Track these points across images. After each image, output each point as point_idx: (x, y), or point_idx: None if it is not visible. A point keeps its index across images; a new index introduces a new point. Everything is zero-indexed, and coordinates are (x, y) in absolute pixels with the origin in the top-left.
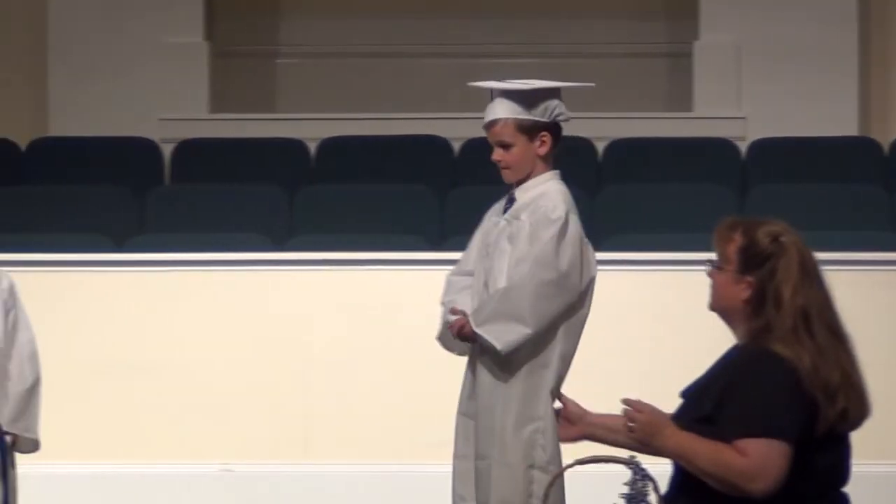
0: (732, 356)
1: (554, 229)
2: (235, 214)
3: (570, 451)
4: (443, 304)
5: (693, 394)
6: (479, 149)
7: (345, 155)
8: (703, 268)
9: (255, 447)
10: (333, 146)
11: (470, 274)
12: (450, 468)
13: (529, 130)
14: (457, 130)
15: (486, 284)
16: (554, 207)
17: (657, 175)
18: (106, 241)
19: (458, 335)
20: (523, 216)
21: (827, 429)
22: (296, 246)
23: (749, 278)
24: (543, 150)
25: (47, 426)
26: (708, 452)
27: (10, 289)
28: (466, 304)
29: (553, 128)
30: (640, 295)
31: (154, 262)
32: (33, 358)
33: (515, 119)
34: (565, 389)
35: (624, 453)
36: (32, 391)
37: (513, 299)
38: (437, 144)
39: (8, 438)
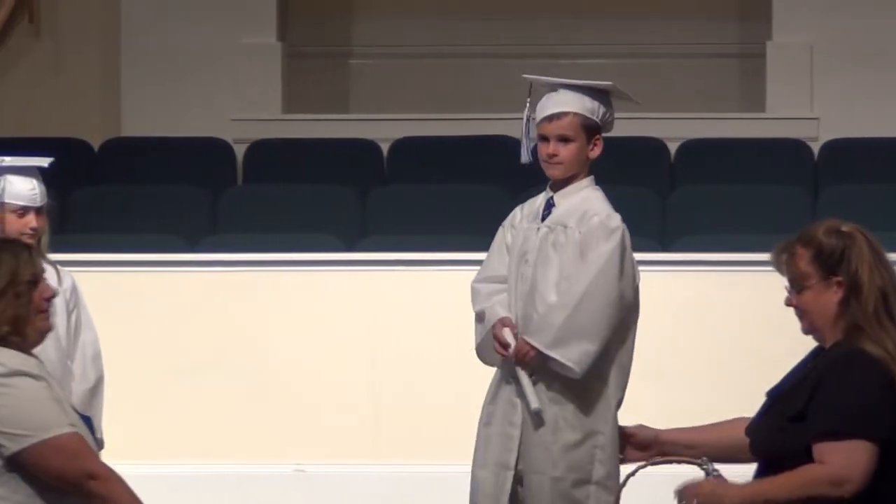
0: (824, 355)
1: (615, 241)
2: (307, 215)
3: None
4: (477, 313)
5: (782, 393)
6: None
7: (417, 155)
8: (768, 269)
9: (326, 447)
10: (406, 147)
11: (497, 280)
12: None
13: (590, 130)
14: None
15: (530, 294)
16: (609, 216)
17: (729, 176)
18: (179, 241)
19: (523, 362)
20: (571, 223)
21: None
22: (367, 246)
23: (837, 278)
24: (595, 154)
25: (119, 426)
26: (785, 482)
27: (73, 288)
28: (501, 311)
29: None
30: (711, 295)
31: (227, 262)
32: (96, 358)
33: (583, 115)
34: (638, 397)
35: None
36: (95, 391)
37: (579, 316)
38: (509, 145)
39: None
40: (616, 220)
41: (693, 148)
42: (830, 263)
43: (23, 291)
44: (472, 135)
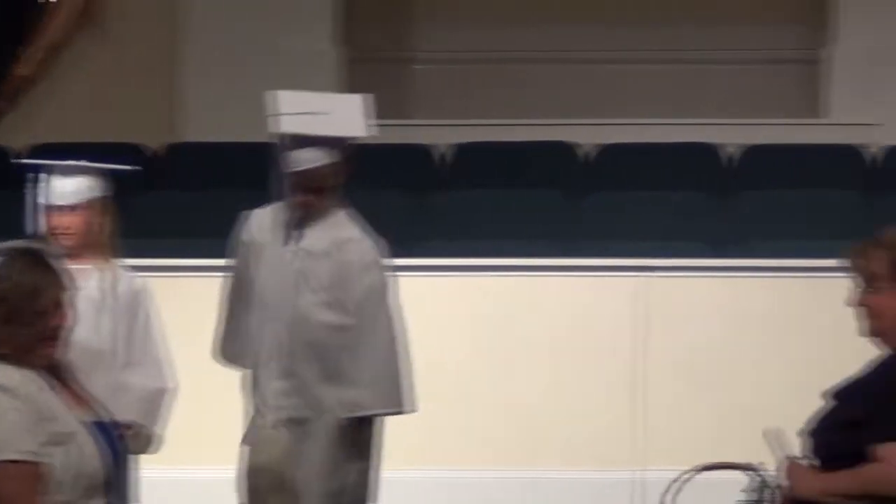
0: (886, 361)
1: (378, 272)
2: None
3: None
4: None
5: (842, 396)
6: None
7: (477, 161)
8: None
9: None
10: (464, 153)
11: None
12: None
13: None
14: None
15: (298, 322)
16: (361, 240)
17: (787, 182)
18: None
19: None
20: (321, 248)
21: None
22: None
23: None
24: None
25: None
26: (850, 480)
27: (136, 293)
28: None
29: None
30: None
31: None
32: (166, 366)
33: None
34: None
35: None
36: (155, 399)
37: (393, 360)
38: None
39: None
40: (368, 243)
41: (754, 153)
42: None
43: (33, 320)
44: (525, 140)
